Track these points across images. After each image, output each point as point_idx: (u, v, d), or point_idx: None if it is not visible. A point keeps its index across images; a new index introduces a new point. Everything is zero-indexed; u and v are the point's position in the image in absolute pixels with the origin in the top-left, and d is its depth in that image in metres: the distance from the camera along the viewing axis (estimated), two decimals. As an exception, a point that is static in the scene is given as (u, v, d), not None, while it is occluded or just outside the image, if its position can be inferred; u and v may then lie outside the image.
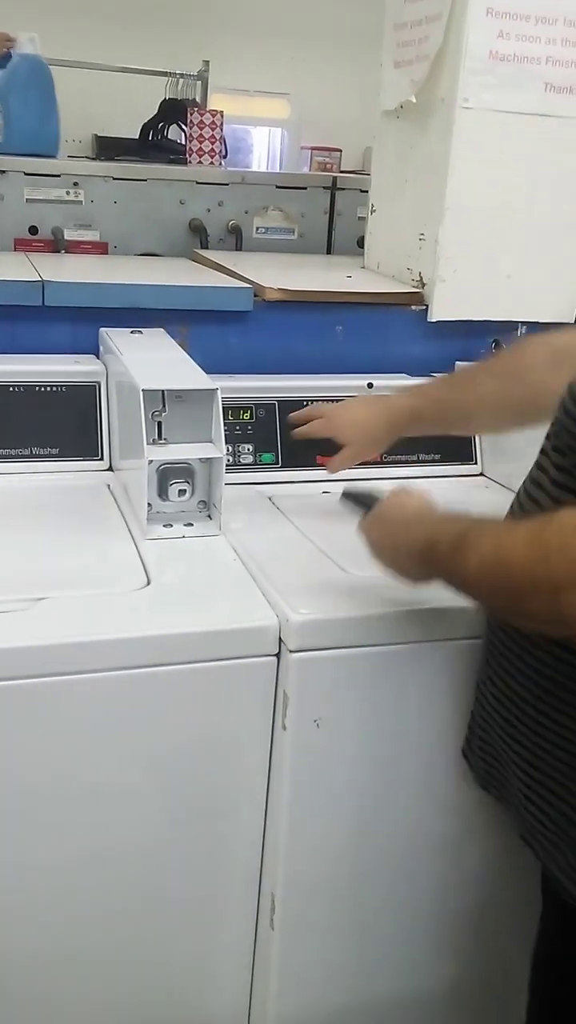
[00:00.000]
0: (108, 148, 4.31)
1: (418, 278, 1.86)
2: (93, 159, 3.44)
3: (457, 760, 1.29)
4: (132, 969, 1.34)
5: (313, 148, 5.72)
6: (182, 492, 1.41)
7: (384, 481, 1.65)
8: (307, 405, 1.66)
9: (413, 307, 1.84)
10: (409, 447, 1.73)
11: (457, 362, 1.87)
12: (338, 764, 1.25)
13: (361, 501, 1.23)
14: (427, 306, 1.83)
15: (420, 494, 1.14)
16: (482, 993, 1.50)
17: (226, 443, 1.40)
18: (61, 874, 1.23)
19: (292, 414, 1.57)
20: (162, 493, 1.41)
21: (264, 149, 7.80)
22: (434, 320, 1.82)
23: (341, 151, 5.34)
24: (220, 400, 1.38)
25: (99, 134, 4.84)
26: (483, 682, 1.17)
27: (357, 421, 1.47)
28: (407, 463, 1.73)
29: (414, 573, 1.10)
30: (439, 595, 1.09)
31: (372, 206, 2.07)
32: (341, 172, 3.93)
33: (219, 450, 1.39)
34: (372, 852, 1.33)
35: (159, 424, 1.39)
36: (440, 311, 1.82)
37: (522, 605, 0.89)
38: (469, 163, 1.73)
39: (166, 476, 1.40)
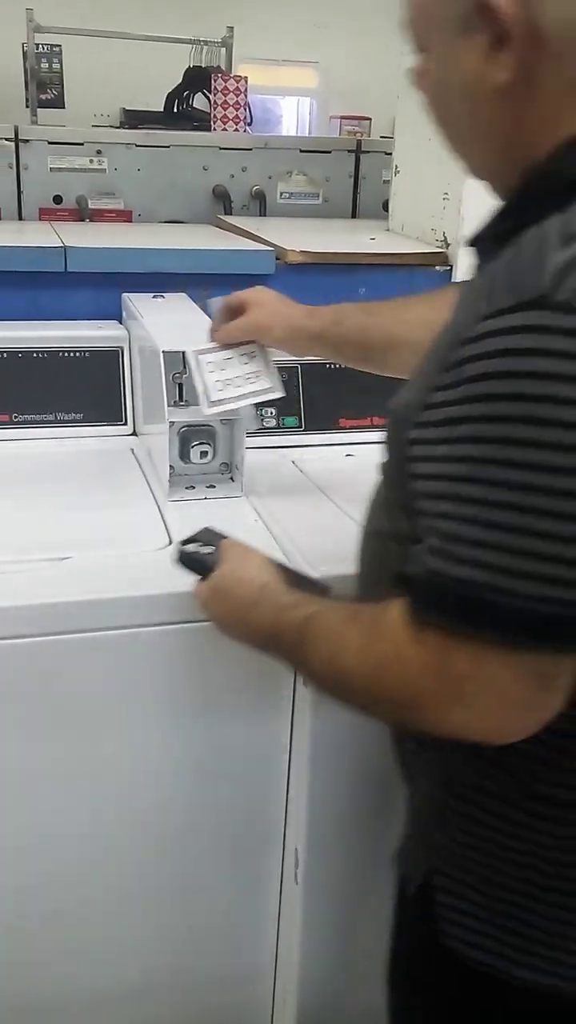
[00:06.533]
0: (135, 120, 4.30)
1: (442, 238, 1.84)
2: (117, 128, 3.43)
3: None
4: (160, 927, 1.36)
5: (342, 117, 5.66)
6: (204, 454, 1.41)
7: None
8: (328, 368, 1.66)
9: (437, 267, 1.82)
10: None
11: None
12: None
13: (195, 565, 1.09)
14: (451, 266, 1.81)
15: (257, 559, 1.04)
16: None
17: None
18: (87, 834, 1.25)
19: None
20: (184, 456, 1.41)
21: (293, 119, 7.74)
22: (459, 280, 1.80)
23: (371, 119, 5.28)
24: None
25: (127, 107, 4.84)
26: None
27: (274, 300, 1.31)
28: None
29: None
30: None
31: (396, 167, 2.05)
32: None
33: (239, 412, 1.39)
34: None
35: (180, 386, 1.39)
36: (464, 271, 1.80)
37: (375, 716, 0.80)
38: (493, 119, 1.71)
39: (188, 438, 1.41)
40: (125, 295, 1.70)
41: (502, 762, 0.82)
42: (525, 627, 0.65)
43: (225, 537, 1.11)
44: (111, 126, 4.17)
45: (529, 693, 0.69)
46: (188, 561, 1.10)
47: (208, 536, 1.12)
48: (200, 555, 1.09)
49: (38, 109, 3.98)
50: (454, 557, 0.66)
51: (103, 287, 1.72)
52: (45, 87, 4.48)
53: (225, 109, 2.93)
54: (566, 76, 0.70)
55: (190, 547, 1.11)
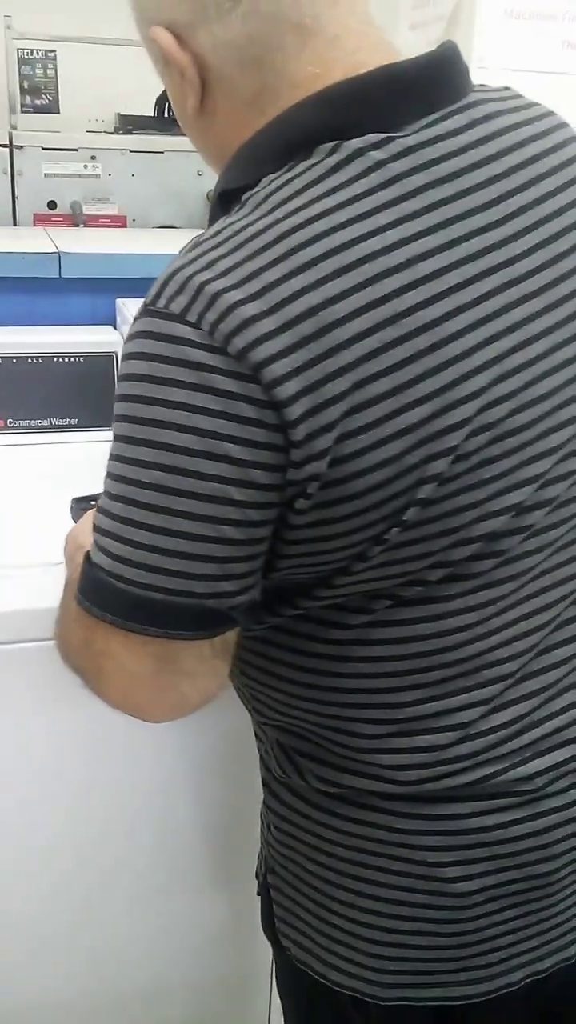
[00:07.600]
0: (130, 125, 4.31)
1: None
2: (111, 133, 3.44)
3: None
4: (155, 931, 1.36)
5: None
6: (198, 459, 1.42)
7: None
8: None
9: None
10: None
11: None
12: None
13: (78, 510, 1.20)
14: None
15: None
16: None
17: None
18: (81, 838, 1.26)
19: None
20: (178, 460, 1.42)
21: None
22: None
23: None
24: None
25: (121, 112, 4.83)
26: None
27: None
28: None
29: None
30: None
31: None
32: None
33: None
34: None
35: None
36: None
37: None
38: (486, 124, 1.72)
39: (182, 443, 1.41)
40: (119, 300, 1.70)
41: (289, 755, 0.84)
42: (130, 611, 0.69)
43: None
44: (105, 131, 4.17)
45: (152, 674, 0.73)
46: (72, 513, 1.21)
47: None
48: (77, 511, 1.18)
49: (32, 115, 3.98)
50: (95, 543, 0.70)
51: (97, 292, 1.72)
52: (39, 93, 4.48)
53: (219, 114, 2.94)
54: (239, 96, 0.74)
55: (83, 504, 1.17)
